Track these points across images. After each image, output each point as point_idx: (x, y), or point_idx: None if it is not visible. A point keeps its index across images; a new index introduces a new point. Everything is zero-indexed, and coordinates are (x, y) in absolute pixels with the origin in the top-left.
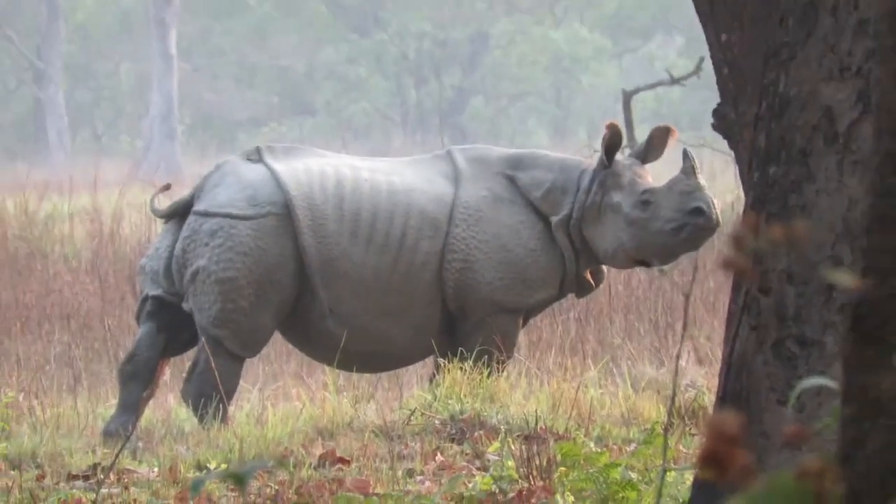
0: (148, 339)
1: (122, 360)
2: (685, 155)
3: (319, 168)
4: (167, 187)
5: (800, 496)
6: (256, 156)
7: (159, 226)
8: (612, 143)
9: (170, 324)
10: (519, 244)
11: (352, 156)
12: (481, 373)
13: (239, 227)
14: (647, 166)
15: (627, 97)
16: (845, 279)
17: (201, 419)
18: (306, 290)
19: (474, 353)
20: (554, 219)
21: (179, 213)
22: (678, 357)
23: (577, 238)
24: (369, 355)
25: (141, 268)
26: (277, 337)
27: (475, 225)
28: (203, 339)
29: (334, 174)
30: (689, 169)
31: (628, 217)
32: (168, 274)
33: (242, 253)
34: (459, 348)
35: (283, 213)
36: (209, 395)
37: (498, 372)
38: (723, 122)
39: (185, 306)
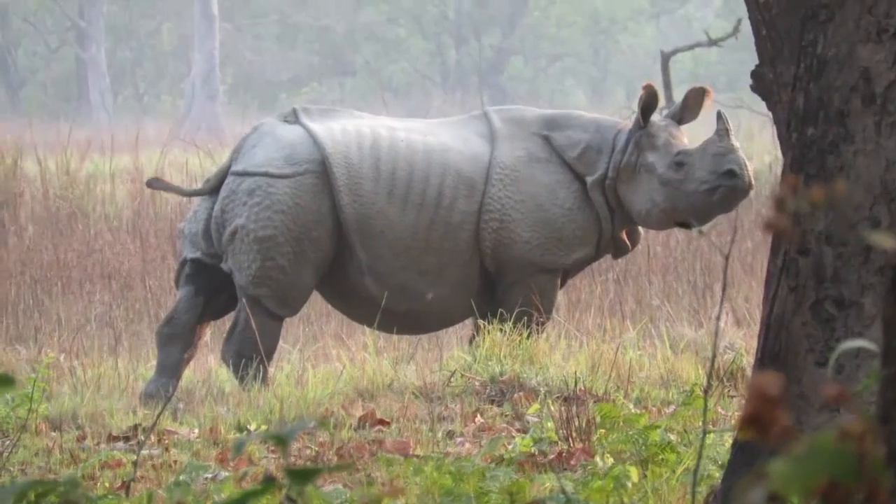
0: (187, 301)
1: (161, 322)
2: (719, 116)
3: (356, 128)
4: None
5: (841, 458)
6: (293, 117)
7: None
8: (647, 104)
9: (209, 286)
10: (555, 203)
11: (388, 117)
12: (520, 334)
13: (277, 186)
14: (684, 127)
15: (666, 58)
16: (884, 240)
17: (241, 380)
18: (344, 249)
19: (514, 313)
20: (589, 179)
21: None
22: (717, 318)
23: (613, 198)
24: (408, 315)
25: (180, 231)
26: (316, 297)
27: (511, 185)
28: (242, 299)
29: (371, 134)
30: (722, 131)
31: (662, 178)
32: (207, 236)
33: (280, 211)
34: (499, 309)
35: (321, 171)
36: (249, 356)
37: (538, 333)
38: (761, 83)
39: (225, 266)
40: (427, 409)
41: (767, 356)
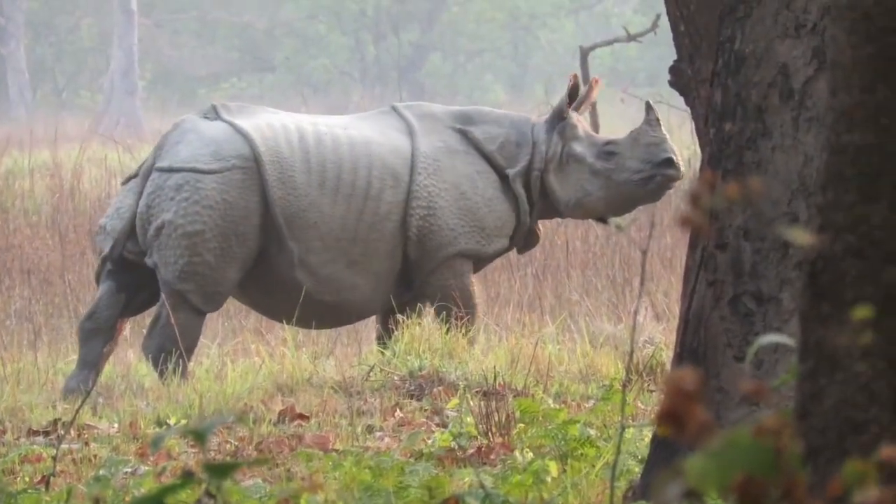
0: (108, 297)
1: (83, 317)
2: (648, 107)
3: (280, 123)
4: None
5: (758, 453)
6: (213, 113)
7: (118, 181)
8: (573, 94)
9: (130, 283)
10: (476, 193)
11: (305, 114)
12: (441, 326)
13: (204, 181)
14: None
15: (584, 53)
16: (801, 236)
17: (161, 374)
18: (272, 243)
19: (434, 303)
20: (511, 171)
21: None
22: (636, 313)
23: (536, 190)
24: (332, 307)
25: (101, 227)
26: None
27: (435, 174)
28: (165, 294)
29: (296, 129)
30: (653, 121)
31: (592, 167)
32: (131, 233)
33: (208, 206)
34: (416, 301)
35: (249, 167)
36: (170, 350)
37: (463, 326)
38: (679, 78)
39: (149, 261)
40: (346, 404)
41: (686, 351)
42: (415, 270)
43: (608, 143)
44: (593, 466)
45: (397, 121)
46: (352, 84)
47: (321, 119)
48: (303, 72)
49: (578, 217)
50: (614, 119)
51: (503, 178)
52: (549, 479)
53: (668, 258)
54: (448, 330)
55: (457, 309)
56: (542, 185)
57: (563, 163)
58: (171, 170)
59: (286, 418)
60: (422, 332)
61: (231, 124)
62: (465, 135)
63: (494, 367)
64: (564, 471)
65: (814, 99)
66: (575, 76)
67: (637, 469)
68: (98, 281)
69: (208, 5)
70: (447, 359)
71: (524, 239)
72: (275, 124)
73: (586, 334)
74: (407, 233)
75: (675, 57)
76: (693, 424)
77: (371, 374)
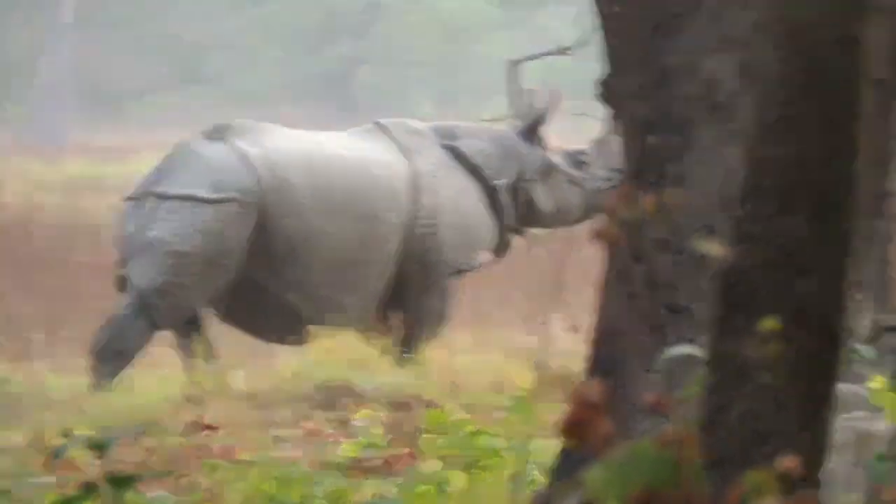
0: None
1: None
2: None
3: (287, 148)
4: None
5: (660, 464)
6: (218, 135)
7: (46, 195)
8: (552, 106)
9: None
10: (470, 208)
11: (305, 130)
12: (428, 339)
13: (201, 209)
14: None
15: (514, 67)
16: (714, 248)
17: (99, 373)
18: (263, 268)
19: (426, 317)
20: (499, 183)
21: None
22: (547, 324)
23: (521, 201)
24: (318, 325)
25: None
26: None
27: (436, 192)
28: (131, 298)
29: (304, 153)
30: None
31: (570, 177)
32: (126, 255)
33: (201, 231)
34: (402, 313)
35: (248, 201)
36: (118, 351)
37: (435, 338)
38: (607, 92)
39: (123, 271)
40: (256, 415)
41: (599, 362)
42: (406, 290)
43: (578, 152)
44: (499, 477)
45: (388, 140)
46: (283, 97)
47: (323, 137)
48: (233, 85)
49: (557, 226)
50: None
51: (488, 192)
52: (454, 490)
53: (584, 269)
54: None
55: (427, 328)
56: (527, 196)
57: (545, 173)
58: (167, 196)
59: (195, 429)
60: (333, 343)
61: (237, 150)
62: (453, 150)
63: (404, 378)
64: (470, 481)
65: (738, 113)
66: (554, 91)
67: (544, 480)
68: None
69: (139, 19)
70: (358, 370)
71: (500, 247)
72: (282, 149)
73: (500, 346)
74: (409, 252)
75: (605, 70)
76: (596, 435)
77: (281, 385)
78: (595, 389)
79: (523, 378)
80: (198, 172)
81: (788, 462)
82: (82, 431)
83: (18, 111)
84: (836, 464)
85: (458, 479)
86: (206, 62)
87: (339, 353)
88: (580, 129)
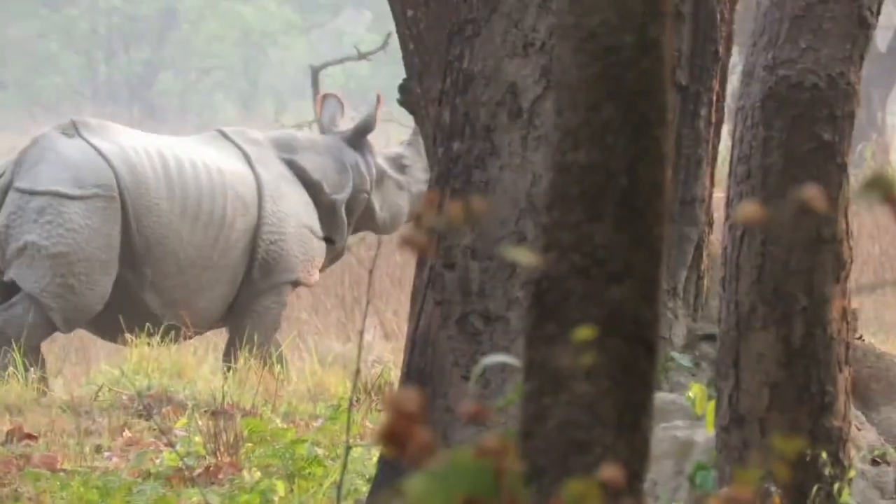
0: None
1: None
2: None
3: (143, 147)
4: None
5: (479, 473)
6: (72, 131)
7: None
8: (373, 115)
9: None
10: (309, 222)
11: (151, 135)
12: (268, 354)
13: (67, 206)
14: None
15: (315, 72)
16: (525, 256)
17: None
18: (126, 266)
19: (251, 327)
20: (338, 197)
21: None
22: (363, 332)
23: (357, 212)
24: (169, 325)
25: None
26: None
27: (279, 201)
28: (28, 299)
29: (157, 153)
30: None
31: (398, 182)
32: None
33: (72, 230)
34: (243, 323)
35: (110, 195)
36: (7, 341)
37: (261, 353)
38: (409, 97)
39: (7, 277)
40: (74, 424)
41: (414, 370)
42: (247, 293)
43: (398, 156)
44: (321, 485)
45: (232, 148)
46: (83, 102)
47: (172, 141)
48: (33, 90)
49: (390, 232)
50: None
51: (327, 207)
52: (276, 499)
53: (398, 277)
54: (279, 353)
55: (259, 334)
56: (364, 206)
57: (378, 181)
58: (32, 192)
59: (14, 438)
60: (150, 351)
61: (94, 147)
62: (291, 164)
63: (223, 386)
64: (292, 490)
65: (542, 118)
66: (378, 95)
67: (365, 488)
68: None
69: None
70: (176, 378)
71: (332, 262)
72: (138, 149)
73: (315, 353)
74: (254, 258)
75: (405, 76)
76: (415, 445)
77: (99, 393)
78: (412, 398)
79: (339, 386)
80: (57, 169)
81: (610, 471)
82: None
83: None
84: (658, 473)
85: (280, 489)
86: (5, 67)
87: (157, 360)
88: (386, 134)
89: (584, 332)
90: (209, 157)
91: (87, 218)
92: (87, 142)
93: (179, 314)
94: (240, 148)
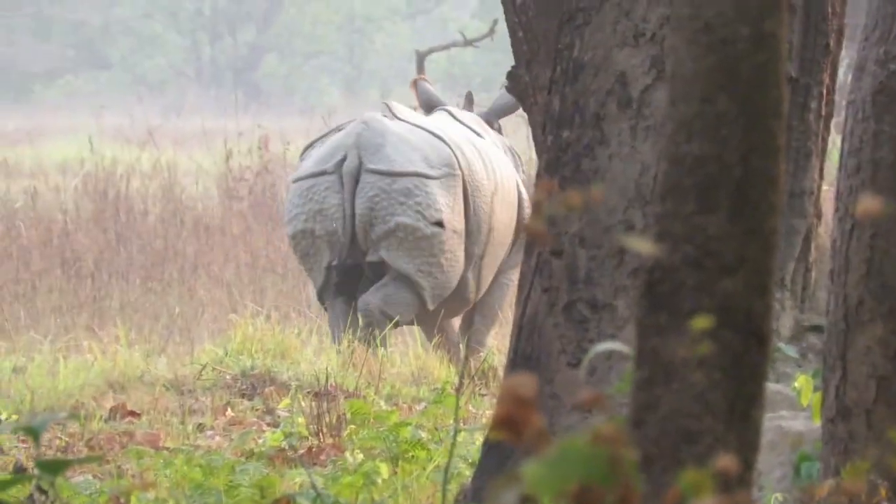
0: (341, 318)
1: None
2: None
3: (453, 130)
4: None
5: (594, 461)
6: (390, 113)
7: None
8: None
9: (352, 289)
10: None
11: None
12: (271, 328)
13: (429, 186)
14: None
15: (421, 57)
16: (641, 245)
17: (364, 337)
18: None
19: (503, 302)
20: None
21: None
22: (471, 319)
23: None
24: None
25: (306, 232)
26: (67, 287)
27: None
28: (398, 276)
29: (465, 137)
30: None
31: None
32: (348, 234)
33: (438, 209)
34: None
35: (456, 174)
36: (389, 317)
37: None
38: (517, 84)
39: (372, 258)
40: (178, 402)
41: (520, 356)
42: (500, 268)
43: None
44: (424, 469)
45: (474, 125)
46: (187, 84)
47: (442, 122)
48: (138, 70)
49: None
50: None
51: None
52: (379, 481)
53: None
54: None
55: (499, 307)
56: None
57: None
58: (391, 173)
59: (117, 415)
60: (254, 331)
61: (422, 128)
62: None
63: (326, 368)
64: (395, 473)
65: (651, 108)
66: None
67: (468, 472)
68: (323, 294)
69: (44, 2)
70: (279, 359)
71: None
72: (454, 131)
73: (418, 337)
74: (517, 236)
75: (511, 62)
76: (528, 431)
77: (203, 372)
78: (526, 384)
79: (442, 370)
80: (407, 150)
81: (725, 461)
82: (6, 416)
83: None
84: (762, 463)
85: (383, 471)
86: (111, 47)
87: (260, 341)
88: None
89: (700, 323)
90: (488, 141)
91: (446, 196)
92: (412, 123)
93: (474, 290)
94: (471, 129)
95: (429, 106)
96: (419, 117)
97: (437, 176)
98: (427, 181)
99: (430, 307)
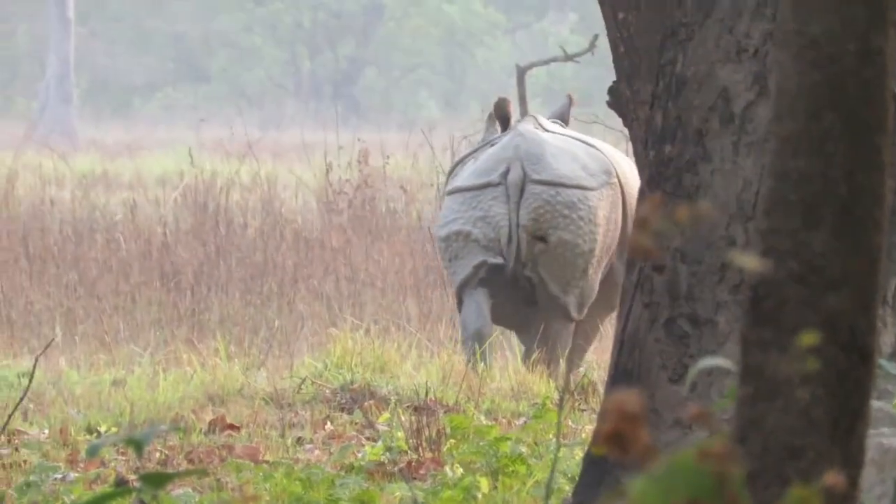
0: (484, 303)
1: (471, 334)
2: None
3: (596, 142)
4: None
5: (700, 477)
6: (538, 124)
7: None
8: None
9: (496, 291)
10: None
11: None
12: (370, 342)
13: (591, 198)
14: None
15: (521, 72)
16: (747, 261)
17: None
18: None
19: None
20: None
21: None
22: (569, 332)
23: None
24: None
25: (460, 234)
26: (167, 300)
27: None
28: (547, 305)
29: (607, 149)
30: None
31: None
32: (515, 244)
33: (597, 224)
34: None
35: (614, 182)
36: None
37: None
38: (618, 99)
39: (529, 273)
40: (277, 416)
41: (621, 372)
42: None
43: None
44: (524, 484)
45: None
46: (286, 97)
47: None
48: (237, 83)
49: None
50: None
51: None
52: (479, 496)
53: None
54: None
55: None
56: None
57: None
58: (556, 184)
59: (216, 428)
60: (354, 345)
61: (574, 137)
62: None
63: (426, 382)
64: (495, 487)
65: (754, 124)
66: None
67: (567, 487)
68: (464, 288)
69: (143, 14)
70: (379, 373)
71: None
72: (600, 143)
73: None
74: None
75: (611, 77)
76: (636, 446)
77: (302, 386)
78: (633, 399)
79: (542, 385)
80: (566, 160)
81: (832, 478)
82: (105, 428)
83: (28, 105)
84: (863, 481)
85: (484, 486)
86: (211, 59)
87: (360, 355)
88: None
89: (807, 339)
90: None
91: (604, 209)
92: (563, 134)
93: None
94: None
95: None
96: (566, 129)
97: (597, 186)
98: (588, 193)
99: (579, 317)
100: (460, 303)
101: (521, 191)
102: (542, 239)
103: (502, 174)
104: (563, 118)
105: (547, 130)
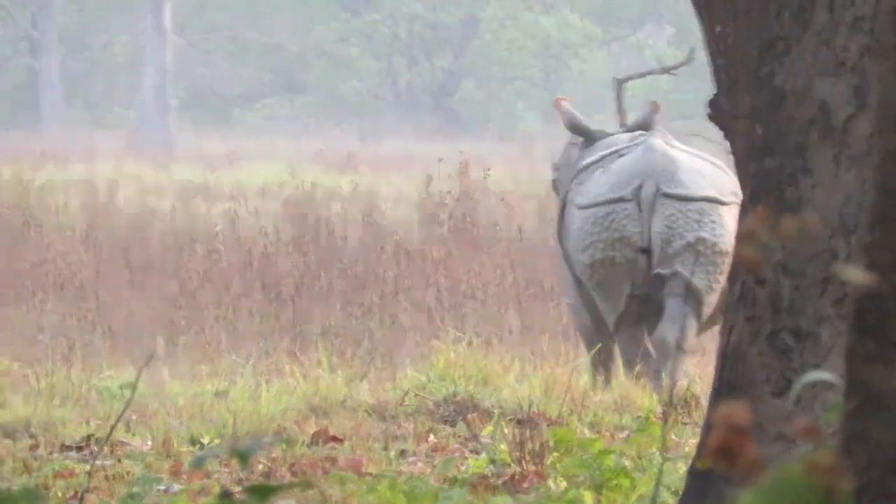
0: (642, 341)
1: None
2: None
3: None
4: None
5: (808, 491)
6: (666, 140)
7: (157, 200)
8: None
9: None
10: None
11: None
12: (473, 354)
13: (723, 213)
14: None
15: (619, 84)
16: (853, 274)
17: (656, 369)
18: None
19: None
20: None
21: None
22: (678, 347)
23: None
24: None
25: (605, 261)
26: (268, 311)
27: None
28: (687, 298)
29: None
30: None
31: None
32: (647, 260)
33: (729, 232)
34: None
35: (737, 203)
36: (677, 355)
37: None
38: (718, 112)
39: (664, 270)
40: (380, 428)
41: (724, 385)
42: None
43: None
44: (628, 498)
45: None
46: (384, 108)
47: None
48: (335, 94)
49: None
50: None
51: None
52: None
53: None
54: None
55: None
56: None
57: None
58: (688, 199)
59: (320, 440)
60: (457, 357)
61: (706, 159)
62: None
63: (529, 395)
64: (599, 501)
65: (854, 137)
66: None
67: (671, 501)
68: (623, 321)
69: (241, 25)
70: (482, 385)
71: None
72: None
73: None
74: None
75: (708, 90)
76: (745, 460)
77: (405, 398)
78: (741, 413)
79: (645, 398)
80: (694, 175)
81: None
82: (208, 439)
83: (125, 116)
84: None
85: (588, 499)
86: (308, 70)
87: (463, 367)
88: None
89: None
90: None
91: (733, 224)
92: (688, 152)
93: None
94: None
95: (573, 127)
96: (687, 147)
97: (728, 202)
98: (719, 206)
99: (700, 319)
100: (618, 331)
101: (653, 206)
102: (645, 251)
103: (635, 190)
104: (645, 126)
105: (673, 146)
